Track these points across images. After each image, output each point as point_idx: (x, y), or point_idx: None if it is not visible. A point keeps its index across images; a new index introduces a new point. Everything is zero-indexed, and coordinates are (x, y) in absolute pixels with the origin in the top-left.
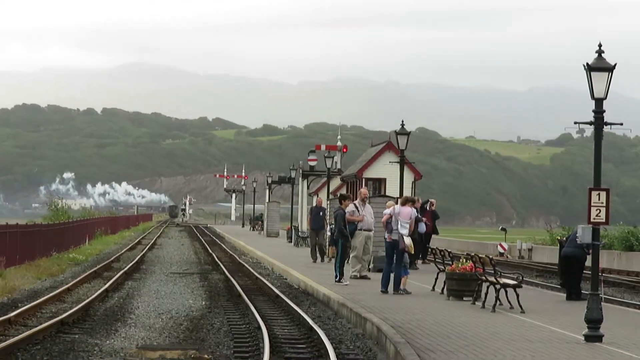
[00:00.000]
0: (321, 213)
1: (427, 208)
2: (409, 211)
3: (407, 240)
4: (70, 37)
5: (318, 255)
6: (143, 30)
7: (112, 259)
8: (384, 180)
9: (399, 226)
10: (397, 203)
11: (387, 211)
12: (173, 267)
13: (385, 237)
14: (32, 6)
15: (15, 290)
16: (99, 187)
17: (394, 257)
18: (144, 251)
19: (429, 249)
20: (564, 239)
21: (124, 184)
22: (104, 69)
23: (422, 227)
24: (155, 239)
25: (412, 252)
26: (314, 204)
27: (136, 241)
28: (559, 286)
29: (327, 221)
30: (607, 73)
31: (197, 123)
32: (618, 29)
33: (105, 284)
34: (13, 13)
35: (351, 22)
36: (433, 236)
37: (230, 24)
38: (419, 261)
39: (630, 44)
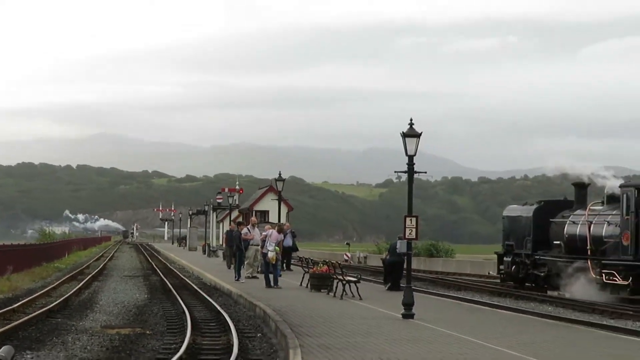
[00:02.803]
0: (233, 234)
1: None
2: (277, 235)
3: (270, 255)
4: (53, 115)
5: (232, 263)
6: (103, 109)
7: (83, 266)
8: (268, 211)
9: (267, 244)
10: (273, 228)
11: (265, 233)
12: (125, 272)
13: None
14: (20, 91)
15: (18, 288)
16: (74, 218)
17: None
18: (105, 261)
19: (298, 258)
20: (387, 251)
21: (92, 216)
22: (78, 138)
23: (288, 242)
24: (113, 253)
25: (274, 263)
26: (229, 229)
27: (100, 255)
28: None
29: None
30: (416, 138)
31: (141, 174)
32: (421, 108)
33: (79, 283)
34: (10, 96)
35: (243, 104)
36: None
37: (164, 105)
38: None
39: (432, 118)
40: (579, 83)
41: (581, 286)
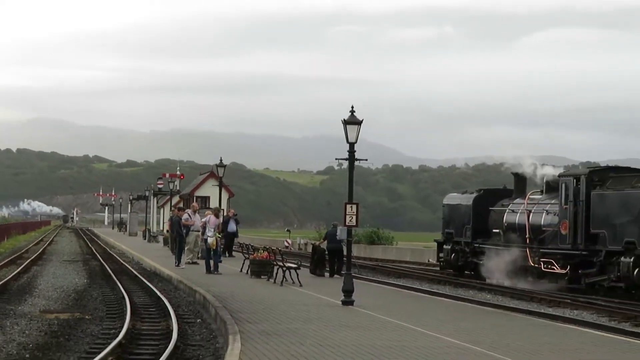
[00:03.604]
0: (173, 220)
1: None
2: (215, 220)
3: (210, 240)
4: None
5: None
6: (41, 93)
7: (22, 251)
8: (209, 197)
9: (207, 230)
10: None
11: (204, 219)
12: (64, 257)
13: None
14: None
15: None
16: (13, 202)
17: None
18: (44, 246)
19: (239, 244)
20: (322, 239)
21: (31, 200)
22: (17, 122)
23: (232, 227)
24: (53, 238)
25: (214, 249)
26: (173, 215)
27: (39, 239)
28: (310, 272)
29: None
30: (357, 125)
31: (82, 159)
32: (361, 96)
33: (18, 268)
34: None
35: (182, 90)
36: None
37: (102, 90)
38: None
39: (372, 106)
40: (515, 72)
41: (520, 274)
